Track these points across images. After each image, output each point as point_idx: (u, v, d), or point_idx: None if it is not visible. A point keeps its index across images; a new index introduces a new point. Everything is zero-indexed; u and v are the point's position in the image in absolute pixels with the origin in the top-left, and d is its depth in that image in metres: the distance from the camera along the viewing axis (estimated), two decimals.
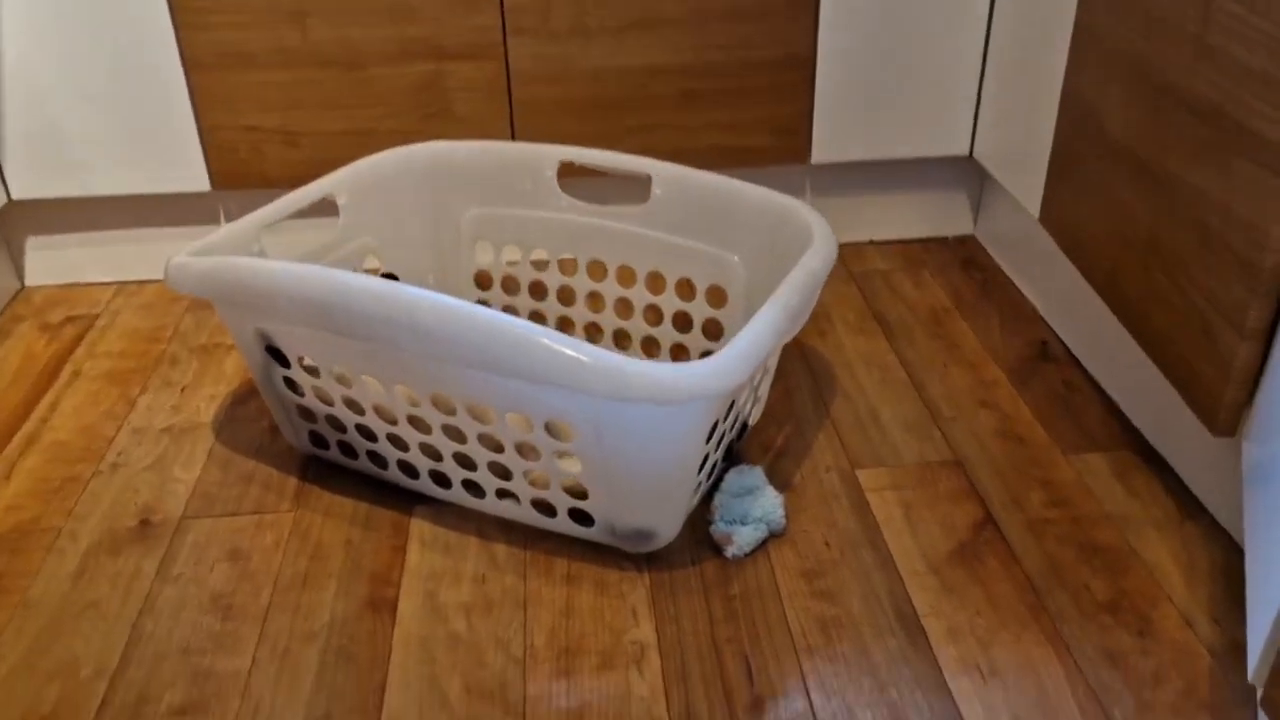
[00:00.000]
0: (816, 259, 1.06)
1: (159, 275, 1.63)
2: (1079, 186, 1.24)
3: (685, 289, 1.28)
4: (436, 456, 1.07)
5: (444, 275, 1.41)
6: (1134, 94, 1.10)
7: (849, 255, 1.67)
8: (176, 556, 1.08)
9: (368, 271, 1.27)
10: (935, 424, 1.26)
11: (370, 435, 1.10)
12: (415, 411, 1.02)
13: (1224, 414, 0.96)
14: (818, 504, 1.13)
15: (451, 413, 1.00)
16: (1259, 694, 0.77)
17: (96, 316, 1.54)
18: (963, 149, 1.59)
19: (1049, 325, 1.46)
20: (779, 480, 1.17)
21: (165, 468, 1.22)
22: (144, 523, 1.13)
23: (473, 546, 1.09)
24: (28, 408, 1.33)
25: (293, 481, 1.18)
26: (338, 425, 1.13)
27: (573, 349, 0.86)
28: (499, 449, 1.02)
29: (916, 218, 1.70)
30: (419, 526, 1.11)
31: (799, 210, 1.17)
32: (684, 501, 1.03)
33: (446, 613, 1.01)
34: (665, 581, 1.04)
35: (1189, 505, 1.12)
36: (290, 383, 1.11)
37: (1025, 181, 1.41)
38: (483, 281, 1.41)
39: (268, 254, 1.19)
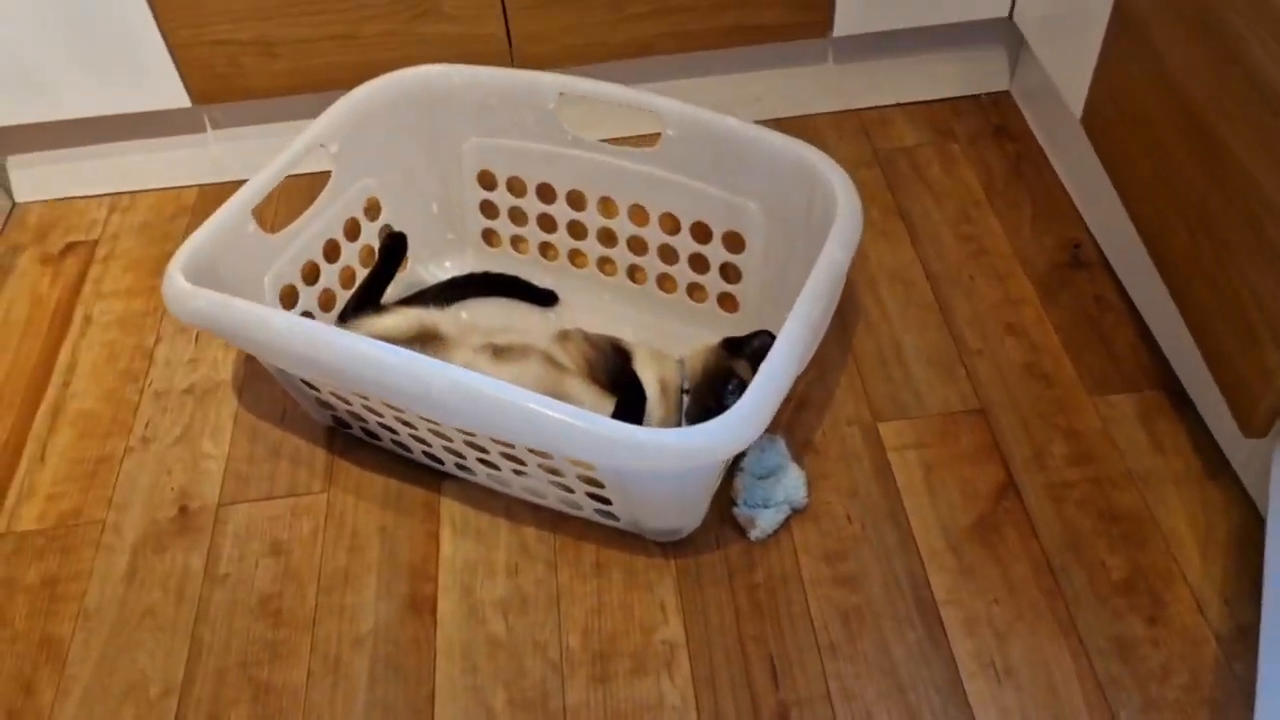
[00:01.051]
0: (839, 247, 1.00)
1: (150, 185, 1.56)
2: (1128, 110, 1.14)
3: (701, 231, 1.21)
4: (461, 454, 1.08)
5: (448, 205, 1.34)
6: (1200, 42, 0.98)
7: (873, 124, 1.56)
8: (220, 552, 1.12)
9: (369, 218, 1.22)
10: (960, 359, 1.24)
11: (392, 429, 1.10)
12: (436, 428, 1.02)
13: (1258, 420, 0.94)
14: (840, 468, 1.14)
15: (472, 434, 1.00)
16: None
17: (96, 243, 1.49)
18: (1001, 10, 1.44)
19: (1083, 218, 1.39)
20: (800, 436, 1.17)
21: (194, 441, 1.23)
22: (183, 510, 1.16)
23: (503, 531, 1.12)
24: (46, 367, 1.33)
25: (320, 454, 1.20)
26: (358, 417, 1.12)
27: (586, 422, 0.84)
28: (523, 462, 1.02)
29: (947, 76, 1.57)
30: (449, 508, 1.14)
31: (822, 169, 1.08)
32: (706, 503, 1.05)
33: (484, 612, 1.05)
34: (691, 569, 1.07)
35: (1213, 460, 1.12)
36: (306, 381, 1.10)
37: (1069, 68, 1.29)
38: (489, 211, 1.34)
39: (261, 231, 1.13)
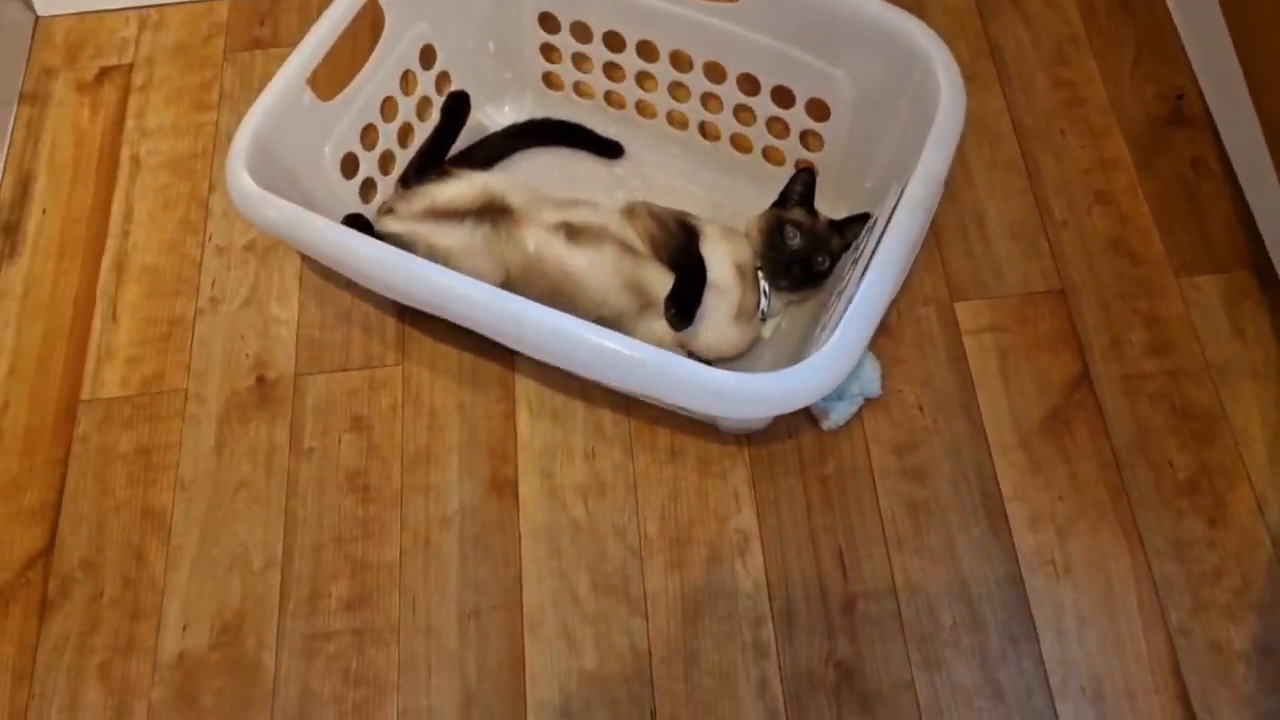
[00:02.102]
0: (939, 154, 0.94)
1: None
2: None
3: (783, 95, 1.13)
4: None
5: (506, 45, 1.25)
6: None
7: None
8: (303, 426, 1.15)
9: (424, 67, 1.16)
10: (1045, 231, 1.20)
11: None
12: None
13: None
14: (914, 353, 1.14)
15: None
16: None
17: (131, 68, 1.41)
18: None
19: (1191, 65, 1.28)
20: None
21: (261, 303, 1.23)
22: (261, 380, 1.18)
23: (579, 413, 1.13)
24: (103, 213, 1.30)
25: (391, 324, 1.20)
26: None
27: (680, 369, 0.84)
28: None
29: None
30: (524, 386, 1.15)
31: (926, 47, 1.00)
32: None
33: (565, 496, 1.10)
34: (764, 458, 1.10)
35: None
36: None
37: None
38: (550, 55, 1.25)
39: (317, 100, 1.07)
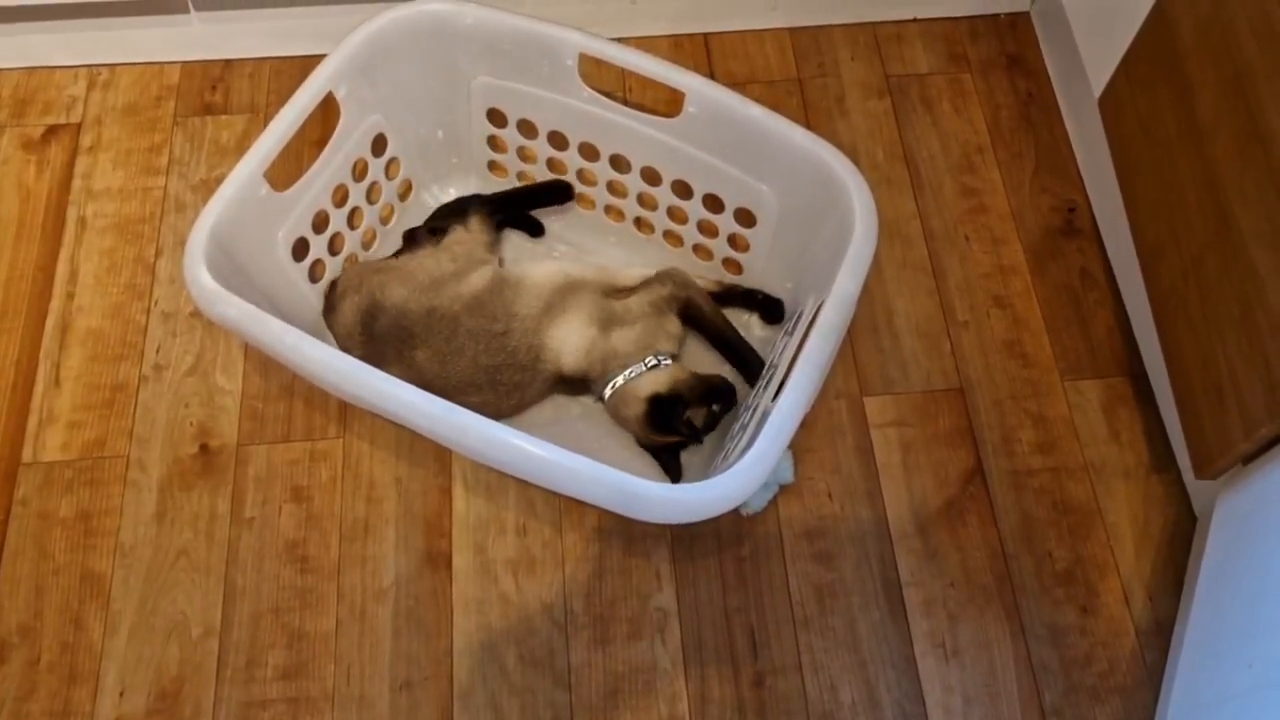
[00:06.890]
0: (851, 278, 1.03)
1: (129, 59, 1.48)
2: (1150, 125, 1.14)
3: (713, 202, 1.22)
4: None
5: (454, 132, 1.31)
6: (1230, 102, 0.98)
7: (887, 41, 1.52)
8: (244, 495, 1.20)
9: (376, 154, 1.23)
10: (947, 331, 1.30)
11: None
12: None
13: (1212, 470, 1.04)
14: (825, 443, 1.23)
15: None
16: None
17: (79, 127, 1.43)
18: None
19: (1082, 178, 1.40)
20: None
21: (206, 372, 1.27)
22: (204, 449, 1.22)
23: (512, 491, 1.20)
24: (47, 274, 1.32)
25: (333, 397, 1.25)
26: None
27: (610, 479, 0.91)
28: None
29: None
30: (460, 462, 1.22)
31: (844, 178, 1.09)
32: None
33: (496, 570, 1.16)
34: (685, 538, 1.18)
35: (1161, 453, 1.23)
36: None
37: (1097, 42, 1.26)
38: (497, 145, 1.32)
39: (273, 191, 1.12)
